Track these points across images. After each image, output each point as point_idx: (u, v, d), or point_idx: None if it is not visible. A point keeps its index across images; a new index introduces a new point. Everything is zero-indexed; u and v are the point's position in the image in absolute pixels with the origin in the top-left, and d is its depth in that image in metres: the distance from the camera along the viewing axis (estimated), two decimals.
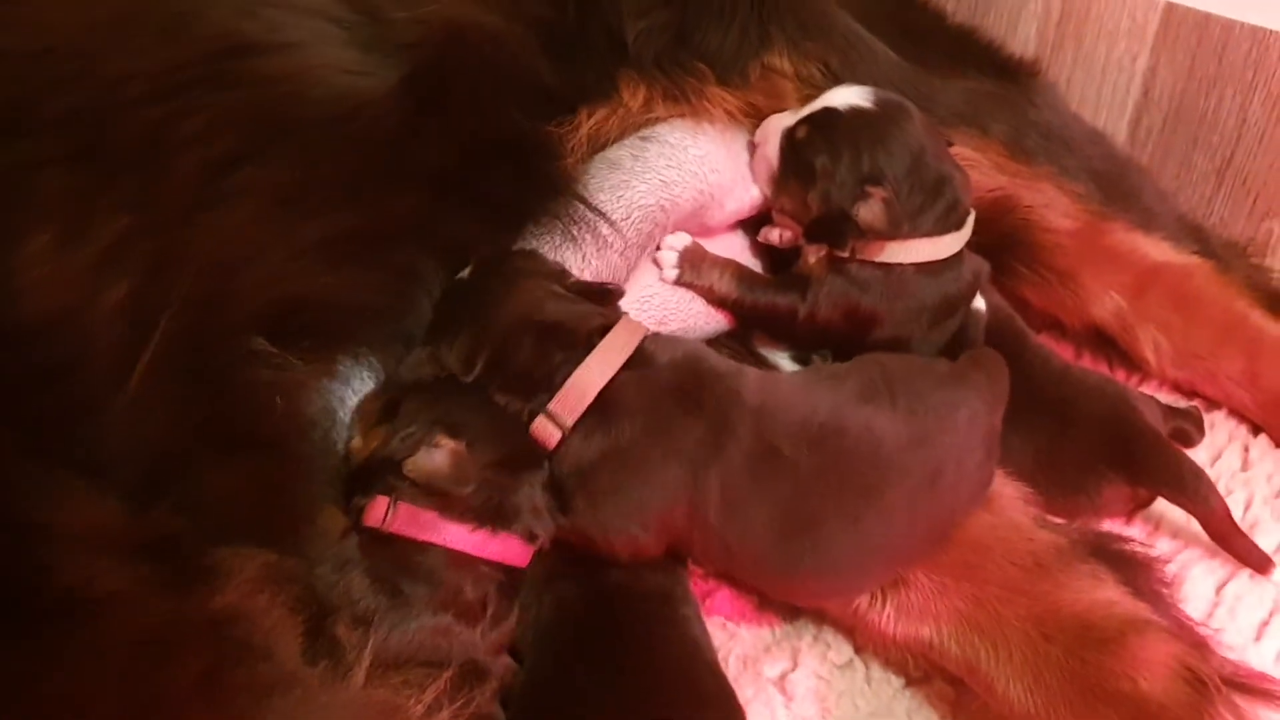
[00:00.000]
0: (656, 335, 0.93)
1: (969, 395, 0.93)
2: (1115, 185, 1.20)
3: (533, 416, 0.87)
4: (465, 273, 0.96)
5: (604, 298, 0.96)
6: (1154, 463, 1.04)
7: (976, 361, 0.99)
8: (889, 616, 0.90)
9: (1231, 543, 1.02)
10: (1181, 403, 1.21)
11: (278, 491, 0.80)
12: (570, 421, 0.86)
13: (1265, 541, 1.06)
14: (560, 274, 0.98)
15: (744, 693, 0.90)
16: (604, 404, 0.86)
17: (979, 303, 1.05)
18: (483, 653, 0.81)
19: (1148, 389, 1.24)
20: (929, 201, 1.03)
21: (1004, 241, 1.15)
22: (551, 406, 0.86)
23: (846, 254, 1.04)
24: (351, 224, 0.87)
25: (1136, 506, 1.10)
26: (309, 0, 0.94)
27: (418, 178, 0.92)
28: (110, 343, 0.74)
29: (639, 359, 0.88)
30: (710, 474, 0.86)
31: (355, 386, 0.91)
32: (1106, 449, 1.04)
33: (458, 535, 0.81)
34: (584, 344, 0.88)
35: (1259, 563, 1.02)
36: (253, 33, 0.88)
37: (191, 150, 0.81)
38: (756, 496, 0.86)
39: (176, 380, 0.76)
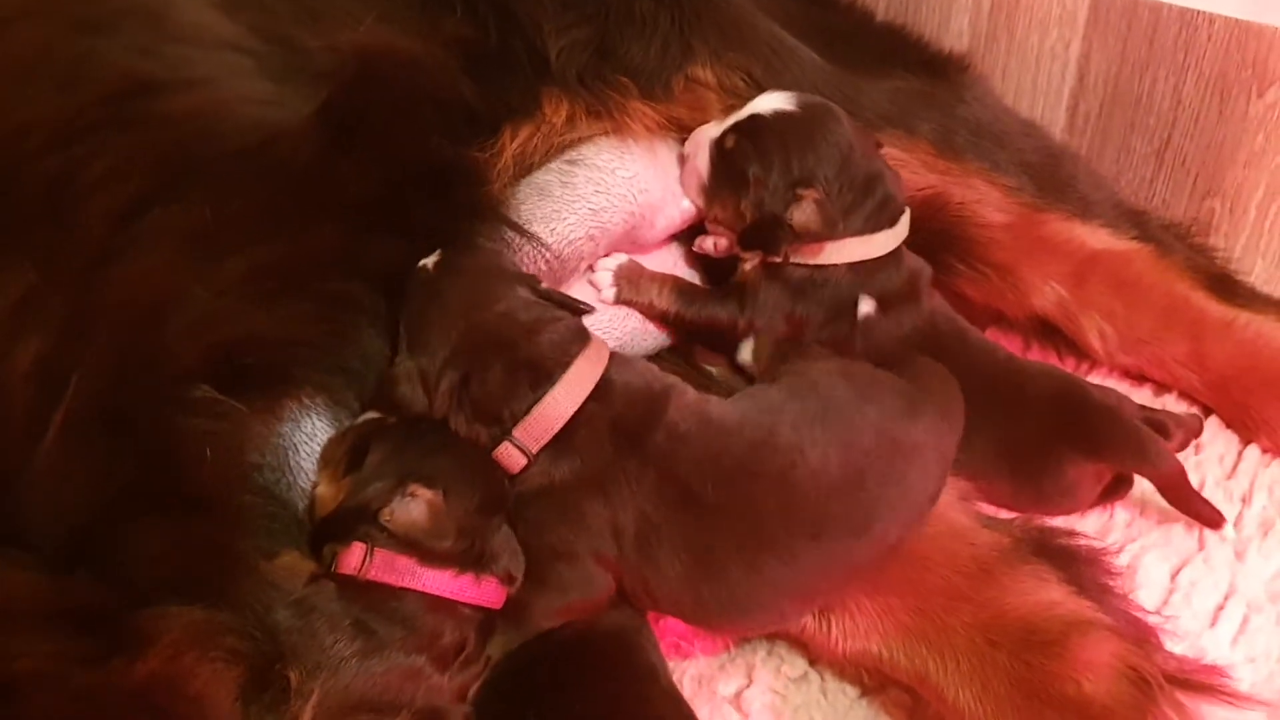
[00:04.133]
0: (618, 359, 0.91)
1: (923, 434, 0.89)
2: (1049, 176, 1.19)
3: (496, 442, 0.86)
4: (431, 261, 0.92)
5: (575, 309, 0.94)
6: (1108, 432, 1.04)
7: (930, 386, 0.94)
8: (836, 638, 0.90)
9: (1187, 504, 1.03)
10: (1129, 389, 1.21)
11: (211, 544, 0.77)
12: (535, 449, 0.86)
13: None
14: (530, 278, 0.95)
15: (700, 711, 0.89)
16: (562, 435, 0.86)
17: (865, 306, 1.04)
18: (447, 697, 0.80)
19: (1096, 377, 1.24)
20: (859, 199, 1.03)
21: (939, 240, 1.14)
22: (517, 433, 0.85)
23: (780, 259, 1.04)
24: (273, 256, 0.86)
25: (1109, 491, 1.08)
26: (215, 34, 0.92)
27: (339, 206, 0.90)
28: (23, 405, 0.73)
29: (603, 389, 0.88)
30: (628, 509, 0.85)
31: (307, 429, 0.89)
32: (1061, 427, 1.04)
33: (438, 580, 0.80)
34: (557, 370, 0.87)
35: (1212, 519, 1.04)
36: (155, 72, 0.87)
37: (97, 197, 0.80)
38: (665, 531, 0.84)
39: (98, 438, 0.74)
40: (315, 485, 0.88)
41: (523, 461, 0.86)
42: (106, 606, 0.69)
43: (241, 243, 0.84)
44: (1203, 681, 0.82)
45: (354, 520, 0.82)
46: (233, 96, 0.90)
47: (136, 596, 0.71)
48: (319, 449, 0.89)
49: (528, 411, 0.85)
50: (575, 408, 0.86)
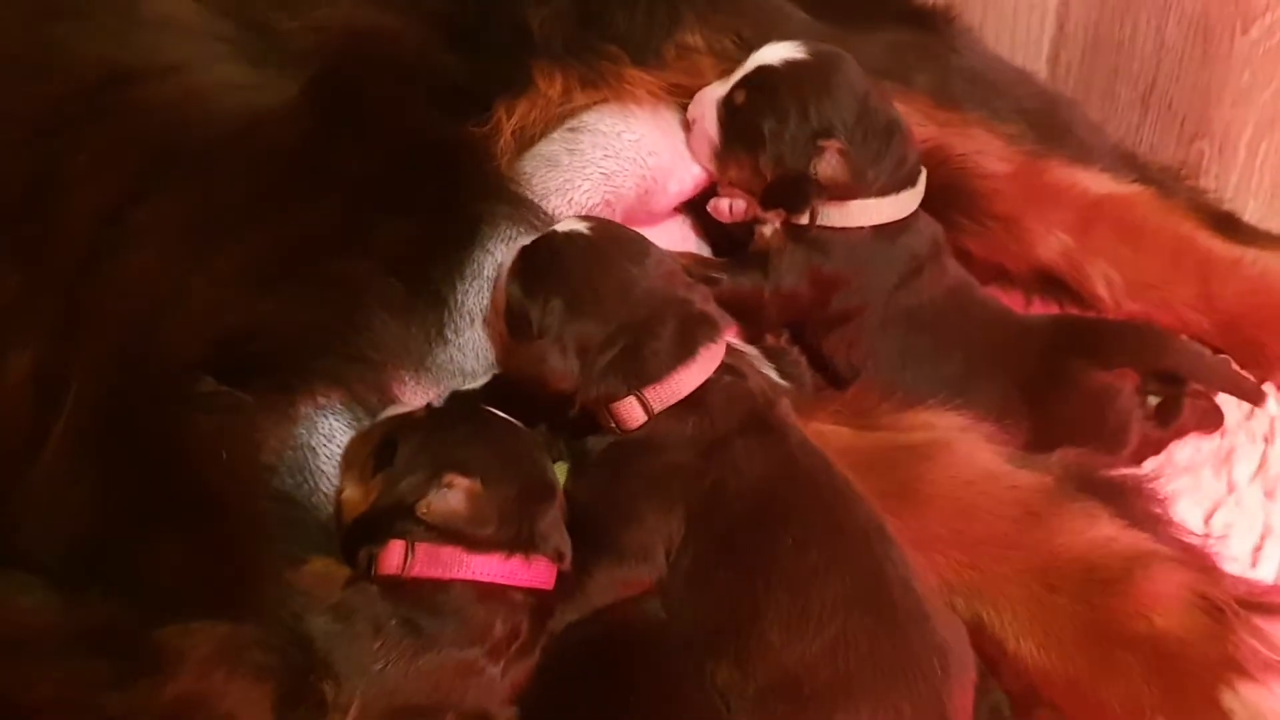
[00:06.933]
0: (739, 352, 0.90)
1: None
2: (1047, 122, 1.18)
3: (619, 398, 0.83)
4: (578, 228, 0.88)
5: (708, 278, 0.95)
6: (1103, 329, 1.07)
7: None
8: None
9: (1226, 381, 1.04)
10: None
11: (231, 553, 0.74)
12: (658, 410, 0.83)
13: (1245, 467, 1.05)
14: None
15: None
16: (695, 397, 0.83)
17: None
18: (498, 699, 0.76)
19: None
20: (884, 147, 1.01)
21: (941, 194, 1.11)
22: (647, 392, 0.82)
23: (805, 222, 1.01)
24: (272, 241, 0.82)
25: (1166, 415, 1.04)
26: (188, 20, 0.88)
27: (336, 185, 0.86)
28: (20, 418, 0.69)
29: (732, 366, 0.86)
30: (720, 465, 0.81)
31: (324, 430, 0.85)
32: (1061, 340, 1.04)
33: (488, 566, 0.76)
34: (705, 339, 0.84)
35: (1254, 395, 1.06)
36: (130, 59, 0.83)
37: (81, 192, 0.76)
38: (739, 484, 0.81)
39: (102, 446, 0.71)
40: (340, 489, 0.84)
41: (641, 420, 0.83)
42: (126, 625, 0.65)
43: (237, 230, 0.80)
44: (1277, 603, 0.79)
45: (389, 518, 0.77)
46: (211, 82, 0.86)
47: (155, 612, 0.67)
48: (338, 450, 0.85)
49: (664, 375, 0.82)
50: (705, 377, 0.83)
